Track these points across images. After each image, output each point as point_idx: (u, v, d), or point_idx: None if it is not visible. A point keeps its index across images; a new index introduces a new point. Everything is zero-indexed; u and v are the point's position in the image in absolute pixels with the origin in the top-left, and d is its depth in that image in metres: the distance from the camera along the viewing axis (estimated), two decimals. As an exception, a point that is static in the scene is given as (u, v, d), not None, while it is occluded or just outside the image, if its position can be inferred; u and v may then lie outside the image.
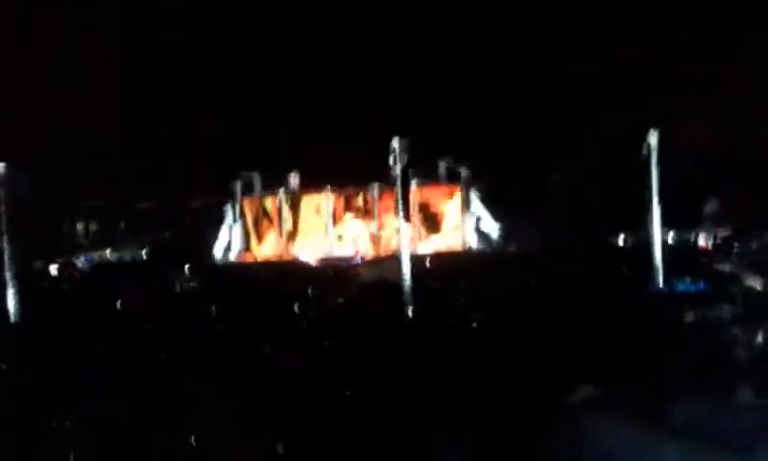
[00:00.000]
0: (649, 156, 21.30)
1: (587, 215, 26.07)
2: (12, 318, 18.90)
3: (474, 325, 14.37)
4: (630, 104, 27.38)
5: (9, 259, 19.34)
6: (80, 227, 30.02)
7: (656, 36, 28.58)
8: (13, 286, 19.09)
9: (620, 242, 26.56)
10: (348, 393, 10.92)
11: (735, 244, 23.86)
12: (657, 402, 9.84)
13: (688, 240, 25.59)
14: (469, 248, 28.67)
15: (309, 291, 19.77)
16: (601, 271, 19.98)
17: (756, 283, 18.44)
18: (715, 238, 25.29)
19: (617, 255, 25.17)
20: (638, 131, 21.70)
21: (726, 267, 21.33)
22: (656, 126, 21.36)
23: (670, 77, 27.75)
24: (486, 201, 28.88)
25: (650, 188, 21.23)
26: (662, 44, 28.30)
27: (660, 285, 20.08)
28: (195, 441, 9.25)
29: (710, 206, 26.35)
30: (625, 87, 28.31)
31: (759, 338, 12.52)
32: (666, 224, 22.12)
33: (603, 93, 28.96)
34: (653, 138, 21.41)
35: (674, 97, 26.31)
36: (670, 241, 24.06)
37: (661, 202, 21.25)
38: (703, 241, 25.51)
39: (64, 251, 28.03)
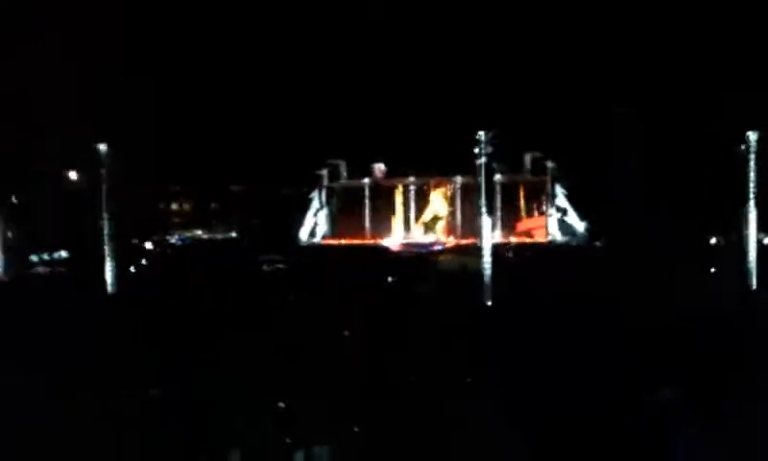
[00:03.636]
0: (748, 155, 20.60)
1: (679, 214, 25.25)
2: (111, 289, 20.09)
3: (553, 319, 14.30)
4: (728, 104, 26.35)
5: (108, 235, 20.53)
6: (175, 206, 31.31)
7: (751, 33, 27.36)
8: (112, 260, 20.29)
9: (714, 242, 25.67)
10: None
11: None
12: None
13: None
14: (553, 240, 28.33)
15: (389, 278, 20.11)
16: (692, 270, 19.38)
17: None
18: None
19: (711, 255, 24.29)
20: (737, 131, 20.99)
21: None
22: (755, 127, 20.66)
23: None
24: (571, 196, 28.43)
25: (747, 189, 20.57)
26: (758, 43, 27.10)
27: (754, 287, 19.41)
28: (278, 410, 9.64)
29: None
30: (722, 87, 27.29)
31: None
32: (763, 227, 21.29)
33: (700, 93, 28.01)
34: (752, 137, 20.69)
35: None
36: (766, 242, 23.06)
37: (758, 203, 20.52)
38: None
39: (160, 229, 29.34)
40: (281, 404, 9.83)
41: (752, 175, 20.69)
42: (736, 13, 27.60)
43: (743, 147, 20.79)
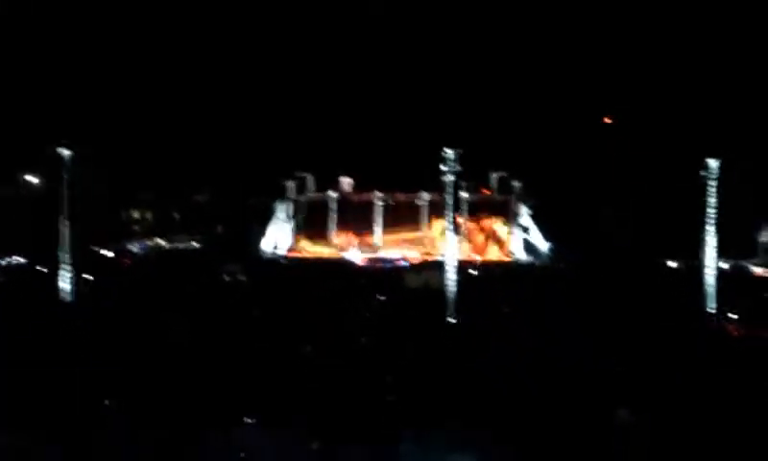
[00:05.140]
0: (707, 181, 21.01)
1: (638, 237, 25.63)
2: (68, 297, 19.61)
3: (516, 336, 14.32)
4: (690, 131, 26.91)
5: (68, 241, 20.07)
6: (136, 215, 30.79)
7: (717, 66, 28.02)
8: (71, 267, 19.82)
9: (673, 265, 26.05)
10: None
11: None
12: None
13: (743, 268, 24.92)
14: (516, 260, 28.47)
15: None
16: (649, 292, 19.61)
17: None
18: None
19: (669, 278, 24.66)
20: (697, 156, 21.41)
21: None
22: (715, 154, 21.11)
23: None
24: (536, 215, 28.65)
25: (708, 214, 20.96)
26: (722, 75, 27.77)
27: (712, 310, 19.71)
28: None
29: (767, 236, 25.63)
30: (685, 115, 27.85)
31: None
32: (722, 251, 21.68)
33: (663, 118, 28.56)
34: (713, 164, 21.10)
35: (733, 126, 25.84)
36: (724, 267, 23.48)
37: (718, 229, 20.93)
38: (760, 269, 24.82)
39: (121, 237, 28.79)
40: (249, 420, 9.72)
41: (711, 201, 21.09)
42: (696, 42, 28.23)
43: (703, 174, 21.20)
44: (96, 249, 26.71)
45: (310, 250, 30.25)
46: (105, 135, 27.48)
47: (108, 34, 29.67)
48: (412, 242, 29.80)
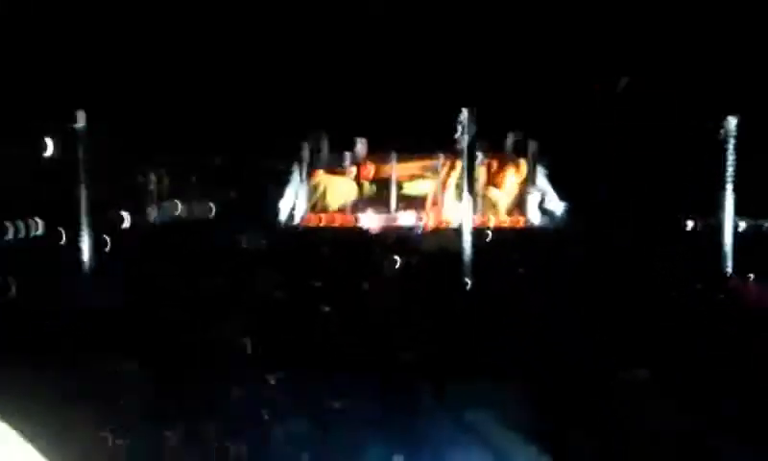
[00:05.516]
0: (726, 141, 20.77)
1: (656, 198, 25.49)
2: (87, 264, 19.84)
3: (530, 300, 14.43)
4: (708, 87, 26.50)
5: (85, 206, 20.19)
6: (153, 178, 30.84)
7: (735, 18, 27.42)
8: (89, 233, 20.00)
9: (689, 226, 25.96)
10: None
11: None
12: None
13: (761, 227, 24.76)
14: (532, 224, 28.36)
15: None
16: (666, 252, 19.62)
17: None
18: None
19: (686, 240, 24.61)
20: (716, 115, 21.13)
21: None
22: (734, 111, 20.80)
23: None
24: (552, 177, 28.45)
25: (725, 174, 20.76)
26: (740, 28, 27.18)
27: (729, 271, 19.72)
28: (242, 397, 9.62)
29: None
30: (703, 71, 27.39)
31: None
32: (739, 211, 21.54)
33: (679, 75, 28.11)
34: (731, 122, 20.85)
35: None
36: (742, 227, 23.36)
37: (736, 188, 20.75)
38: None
39: (137, 201, 28.94)
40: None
41: (729, 160, 20.88)
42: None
43: (722, 132, 20.95)
44: (114, 213, 26.90)
45: (326, 215, 30.18)
46: (119, 98, 27.45)
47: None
48: (428, 169, 29.61)
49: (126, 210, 27.28)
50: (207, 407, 9.10)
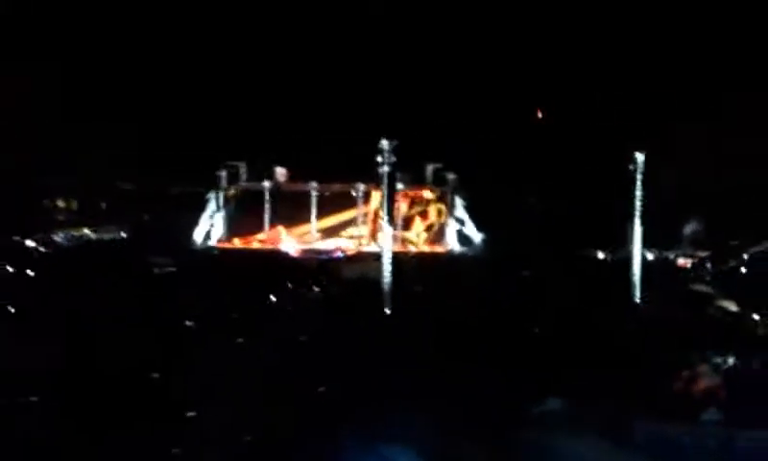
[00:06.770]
0: (635, 174, 21.77)
1: (568, 229, 26.29)
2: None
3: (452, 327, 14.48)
4: (616, 125, 27.74)
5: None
6: (60, 203, 29.62)
7: (645, 59, 28.89)
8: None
9: (600, 256, 26.90)
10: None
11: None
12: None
13: (667, 258, 25.95)
14: (451, 250, 28.76)
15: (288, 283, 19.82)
16: (577, 282, 20.22)
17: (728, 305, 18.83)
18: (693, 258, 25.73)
19: (597, 269, 25.47)
20: (625, 151, 22.14)
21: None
22: (641, 147, 21.90)
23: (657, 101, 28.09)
24: (469, 207, 28.96)
25: (633, 206, 21.75)
26: (651, 68, 28.66)
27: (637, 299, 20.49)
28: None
29: (690, 228, 26.68)
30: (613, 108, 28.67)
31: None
32: (647, 242, 22.51)
33: (590, 112, 29.35)
34: (639, 157, 21.88)
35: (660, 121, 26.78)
36: (650, 258, 24.41)
37: (644, 221, 21.75)
38: (682, 260, 25.89)
39: (43, 227, 27.66)
40: None
41: (638, 193, 21.89)
42: (622, 37, 29.06)
43: (631, 166, 21.96)
44: (18, 239, 25.66)
45: (243, 240, 29.76)
46: (25, 122, 26.39)
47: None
48: (348, 224, 29.62)
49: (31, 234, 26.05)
50: (120, 426, 8.73)
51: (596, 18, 29.53)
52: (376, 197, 28.21)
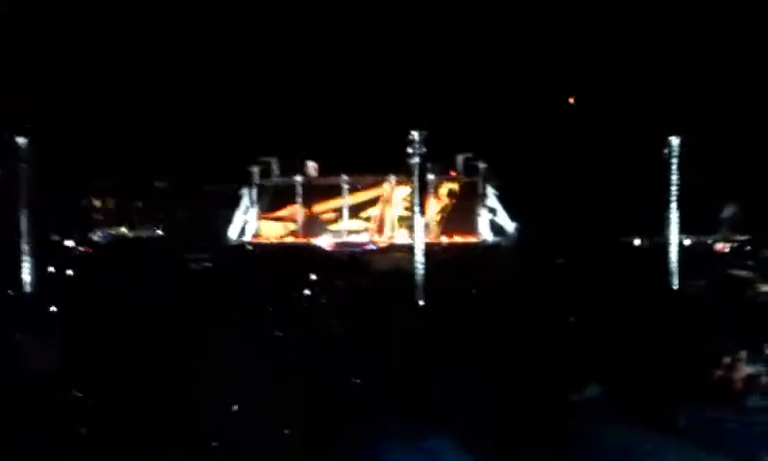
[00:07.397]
0: (670, 159, 21.37)
1: (603, 215, 25.98)
2: (28, 287, 19.11)
3: (484, 317, 14.40)
4: (651, 106, 27.28)
5: (28, 231, 19.50)
6: (97, 203, 30.16)
7: (678, 37, 28.36)
8: (31, 257, 19.30)
9: (636, 242, 26.54)
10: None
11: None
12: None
13: (705, 243, 25.49)
14: (484, 241, 28.64)
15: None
16: (613, 269, 19.92)
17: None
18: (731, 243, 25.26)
19: (633, 255, 25.11)
20: (660, 134, 21.75)
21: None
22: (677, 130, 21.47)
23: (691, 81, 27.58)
24: (502, 196, 28.81)
25: (669, 191, 21.35)
26: (684, 46, 28.12)
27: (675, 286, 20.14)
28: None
29: (728, 212, 26.18)
30: (647, 89, 28.19)
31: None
32: (684, 228, 22.13)
33: (623, 95, 28.90)
34: (674, 142, 21.46)
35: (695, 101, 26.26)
36: (687, 243, 23.99)
37: (680, 205, 21.35)
38: (720, 245, 25.42)
39: (82, 226, 28.21)
40: None
41: (673, 178, 21.46)
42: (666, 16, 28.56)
43: (666, 151, 21.57)
44: (57, 239, 26.16)
45: (265, 234, 30.08)
46: (62, 122, 26.84)
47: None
48: (373, 203, 29.69)
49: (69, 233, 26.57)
50: (158, 425, 8.84)
51: (633, 5, 29.10)
52: (386, 188, 28.39)
